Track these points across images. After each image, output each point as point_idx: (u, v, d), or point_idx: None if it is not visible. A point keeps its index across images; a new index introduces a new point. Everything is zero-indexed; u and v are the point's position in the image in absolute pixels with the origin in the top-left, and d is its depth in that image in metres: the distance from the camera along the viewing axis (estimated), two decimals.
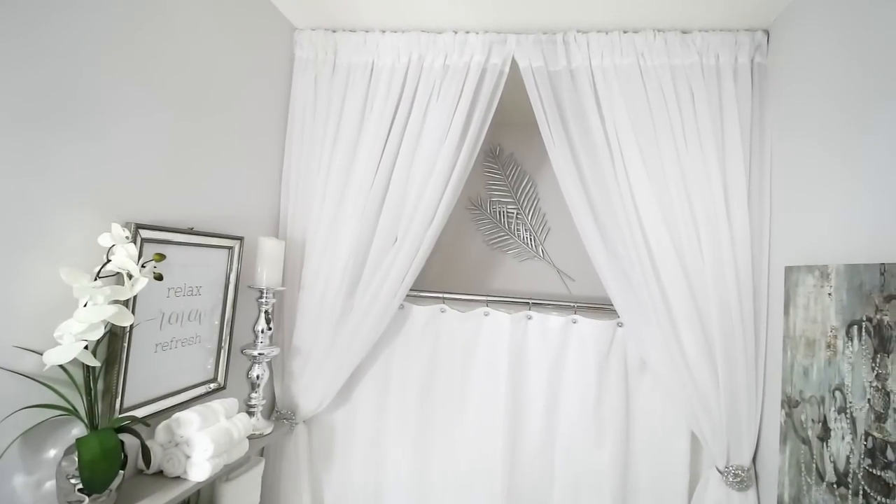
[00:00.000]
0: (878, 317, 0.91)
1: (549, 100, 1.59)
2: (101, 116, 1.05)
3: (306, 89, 1.76)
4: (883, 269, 0.91)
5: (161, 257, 1.06)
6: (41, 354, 0.89)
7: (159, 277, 1.06)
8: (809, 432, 1.13)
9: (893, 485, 0.85)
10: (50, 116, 0.94)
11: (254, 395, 1.52)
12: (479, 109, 1.64)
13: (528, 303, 1.81)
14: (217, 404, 1.27)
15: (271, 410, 1.75)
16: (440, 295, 1.86)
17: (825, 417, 1.07)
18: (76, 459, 0.89)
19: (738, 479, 1.43)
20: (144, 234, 1.11)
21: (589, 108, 1.57)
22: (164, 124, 1.23)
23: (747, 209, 1.47)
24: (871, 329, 0.93)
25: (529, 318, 1.77)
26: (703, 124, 1.50)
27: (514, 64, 1.64)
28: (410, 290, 1.71)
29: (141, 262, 1.03)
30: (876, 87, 1.05)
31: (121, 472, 0.96)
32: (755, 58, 1.53)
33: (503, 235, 2.60)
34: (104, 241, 0.98)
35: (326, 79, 1.75)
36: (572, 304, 1.78)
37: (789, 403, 1.23)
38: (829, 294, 1.07)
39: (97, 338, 0.92)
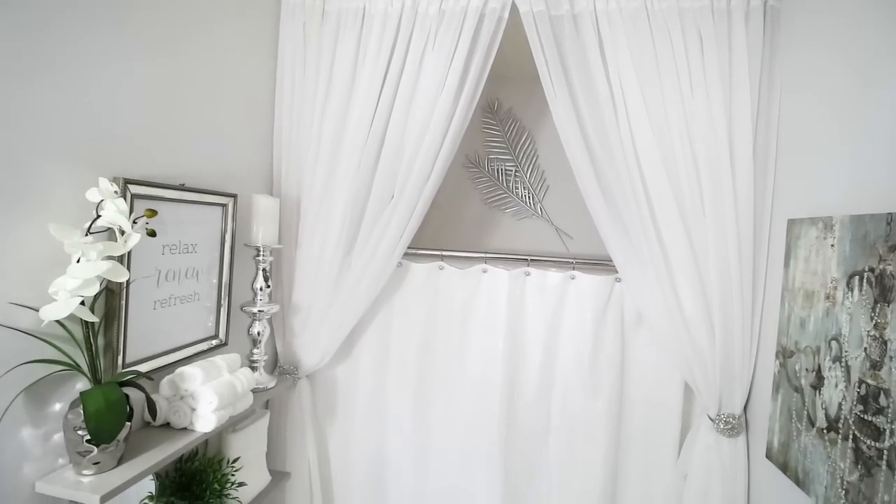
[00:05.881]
0: (881, 267, 0.91)
1: (550, 47, 1.51)
2: (78, 62, 0.99)
3: (295, 38, 1.67)
4: (889, 218, 0.89)
5: (153, 213, 1.04)
6: (37, 311, 0.89)
7: (152, 233, 1.04)
8: (803, 381, 1.15)
9: (884, 429, 0.87)
10: (22, 62, 0.89)
11: (255, 350, 1.54)
12: (477, 58, 1.56)
13: (527, 259, 1.80)
14: (219, 359, 1.29)
15: (274, 365, 1.78)
16: (438, 252, 1.85)
17: (819, 367, 1.08)
18: (81, 412, 0.91)
19: (729, 426, 1.47)
20: (134, 189, 1.08)
21: (592, 54, 1.50)
22: (147, 72, 1.17)
23: (752, 160, 1.43)
24: (873, 279, 0.93)
25: (528, 274, 1.77)
26: (711, 71, 1.43)
27: (513, 9, 1.55)
28: (408, 247, 1.70)
29: (132, 217, 1.00)
30: (891, 36, 0.99)
31: (127, 423, 0.98)
32: (768, 0, 1.45)
33: (501, 194, 2.55)
34: (92, 195, 0.95)
35: (316, 26, 1.66)
36: (571, 261, 1.78)
37: (784, 354, 1.25)
38: (832, 245, 1.06)
39: (93, 294, 0.91)
